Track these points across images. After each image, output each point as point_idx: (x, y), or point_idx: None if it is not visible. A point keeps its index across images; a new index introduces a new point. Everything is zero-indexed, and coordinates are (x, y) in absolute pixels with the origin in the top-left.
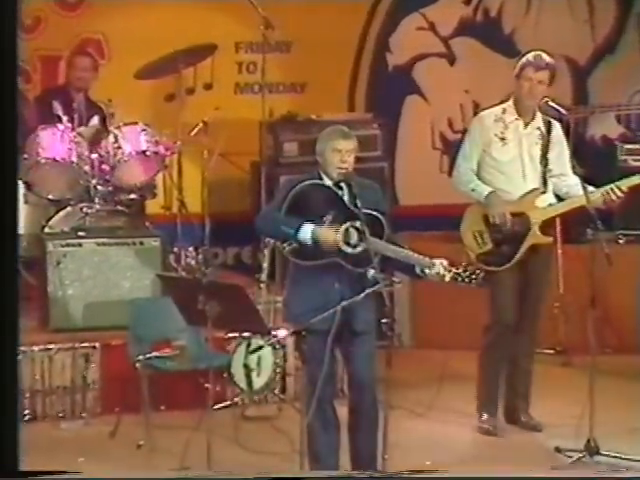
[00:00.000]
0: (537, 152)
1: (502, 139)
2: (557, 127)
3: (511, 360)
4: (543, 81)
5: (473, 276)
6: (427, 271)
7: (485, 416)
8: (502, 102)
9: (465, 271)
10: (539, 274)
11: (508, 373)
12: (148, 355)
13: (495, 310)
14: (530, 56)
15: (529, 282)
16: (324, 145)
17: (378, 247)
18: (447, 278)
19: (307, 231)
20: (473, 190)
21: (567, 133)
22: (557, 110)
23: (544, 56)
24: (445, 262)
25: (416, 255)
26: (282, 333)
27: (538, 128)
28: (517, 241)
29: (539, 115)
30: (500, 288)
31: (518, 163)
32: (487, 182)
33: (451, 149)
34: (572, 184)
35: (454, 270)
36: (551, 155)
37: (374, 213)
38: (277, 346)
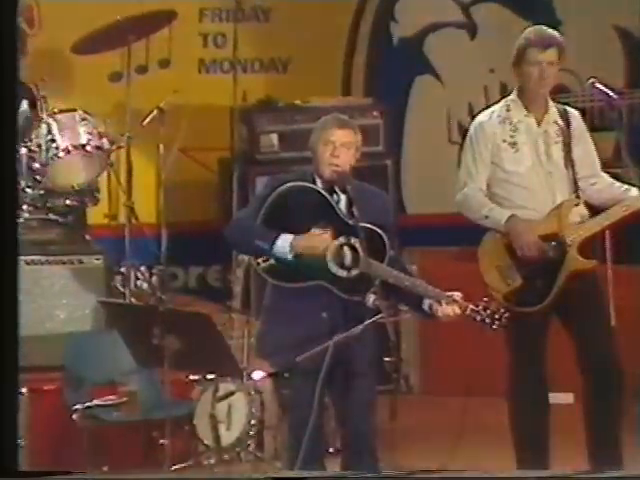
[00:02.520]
0: (559, 153)
1: (513, 145)
2: (576, 117)
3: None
4: (553, 61)
5: (496, 316)
6: (436, 307)
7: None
8: (502, 98)
9: (486, 309)
10: (585, 307)
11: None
12: (88, 403)
13: (525, 359)
14: (530, 34)
15: (573, 319)
16: (316, 136)
17: (378, 272)
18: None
19: (285, 243)
20: (487, 217)
21: (619, 122)
22: (606, 94)
23: (547, 30)
24: (459, 296)
25: (424, 285)
26: (259, 375)
27: (555, 122)
28: (552, 271)
29: (552, 106)
30: (531, 330)
31: (538, 171)
32: (503, 202)
33: None
34: (606, 186)
35: (472, 307)
36: (576, 154)
37: (374, 228)
38: (252, 392)
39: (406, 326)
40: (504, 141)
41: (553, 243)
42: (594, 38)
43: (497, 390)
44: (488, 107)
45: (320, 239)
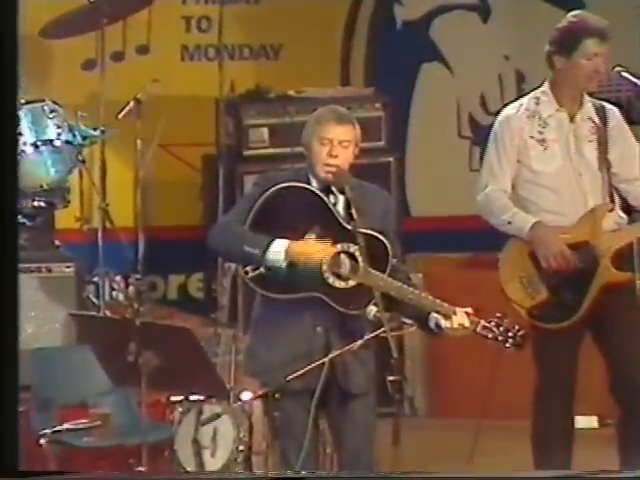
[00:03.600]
0: (592, 153)
1: (542, 142)
2: (615, 113)
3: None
4: (608, 56)
5: (510, 334)
6: (444, 323)
7: None
8: (533, 90)
9: (499, 326)
10: (619, 324)
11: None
12: (57, 427)
13: (550, 379)
14: (586, 21)
15: (605, 335)
16: (310, 132)
17: (378, 283)
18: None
19: (280, 249)
20: (510, 223)
21: None
22: (634, 83)
23: (601, 19)
24: (470, 312)
25: (431, 299)
26: (247, 396)
27: (589, 119)
28: (582, 283)
29: (588, 100)
30: (558, 348)
31: (569, 172)
32: (528, 205)
33: (485, 138)
34: None
35: (483, 324)
36: (612, 154)
37: (376, 234)
38: (240, 414)
39: (411, 341)
40: (532, 137)
41: (583, 252)
42: (619, 21)
43: (513, 412)
44: (517, 99)
45: (319, 247)
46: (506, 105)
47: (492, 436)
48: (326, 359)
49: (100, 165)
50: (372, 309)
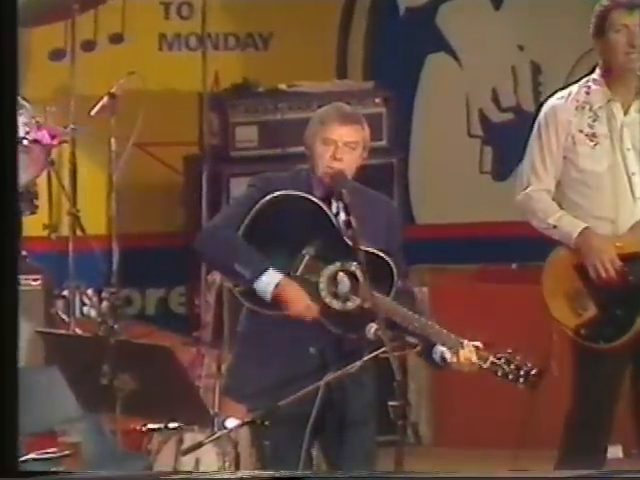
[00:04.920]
0: None
1: (592, 137)
2: None
3: None
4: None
5: (522, 372)
6: (449, 357)
7: None
8: (582, 78)
9: (509, 363)
10: None
11: None
12: (23, 457)
13: (591, 405)
14: None
15: None
16: (313, 132)
17: (381, 306)
18: (479, 368)
19: (270, 282)
20: (555, 227)
21: None
22: None
23: None
24: (479, 345)
25: (437, 327)
26: (232, 423)
27: None
28: (635, 299)
29: None
30: (605, 371)
31: (620, 172)
32: (575, 209)
33: (497, 137)
34: None
35: (492, 359)
36: None
37: (380, 254)
38: (225, 443)
39: (414, 363)
40: (581, 132)
41: (636, 264)
42: None
43: (527, 441)
44: (557, 92)
45: (308, 300)
46: (552, 94)
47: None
48: (321, 382)
49: (70, 167)
50: (372, 326)
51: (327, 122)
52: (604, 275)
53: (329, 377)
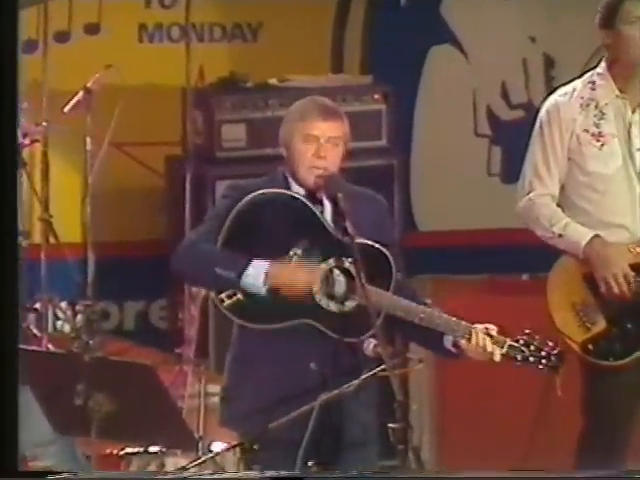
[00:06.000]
0: None
1: (598, 137)
2: None
3: None
4: None
5: (543, 353)
6: (463, 343)
7: None
8: (587, 72)
9: (528, 345)
10: None
11: None
12: None
13: (601, 426)
14: None
15: None
16: (291, 129)
17: (381, 302)
18: (497, 356)
19: (258, 273)
20: (561, 236)
21: None
22: None
23: None
24: (493, 329)
25: (445, 316)
26: (219, 446)
27: None
28: None
29: None
30: (614, 390)
31: (630, 175)
32: (582, 216)
33: (506, 136)
34: None
35: (510, 342)
36: None
37: (374, 245)
38: (210, 468)
39: (417, 381)
40: (586, 131)
41: None
42: None
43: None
44: (560, 87)
45: (304, 269)
46: (554, 90)
47: None
48: (316, 402)
49: (43, 168)
50: (371, 342)
51: (307, 117)
52: (615, 287)
53: (322, 397)
